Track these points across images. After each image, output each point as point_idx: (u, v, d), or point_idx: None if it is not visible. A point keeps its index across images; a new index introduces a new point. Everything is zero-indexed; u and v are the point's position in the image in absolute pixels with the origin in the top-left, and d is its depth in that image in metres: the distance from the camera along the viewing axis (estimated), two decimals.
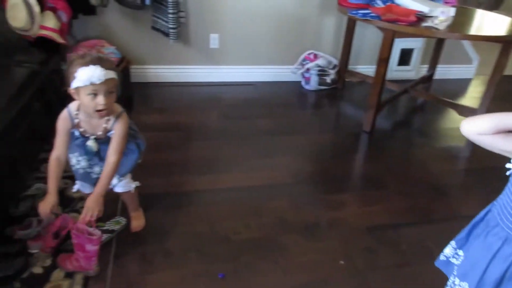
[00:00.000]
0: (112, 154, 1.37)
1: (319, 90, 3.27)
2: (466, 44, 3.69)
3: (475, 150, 2.59)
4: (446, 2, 2.84)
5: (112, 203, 1.81)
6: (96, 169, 1.50)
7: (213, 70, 3.18)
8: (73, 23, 2.61)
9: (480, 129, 0.82)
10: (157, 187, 1.96)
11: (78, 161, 1.47)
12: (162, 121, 2.59)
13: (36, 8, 2.02)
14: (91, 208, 1.33)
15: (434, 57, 3.37)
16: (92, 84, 1.19)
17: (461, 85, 3.72)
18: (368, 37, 3.36)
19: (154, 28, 2.83)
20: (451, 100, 3.13)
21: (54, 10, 2.21)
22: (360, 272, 1.57)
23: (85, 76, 1.17)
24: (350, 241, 1.73)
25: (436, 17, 2.33)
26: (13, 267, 1.37)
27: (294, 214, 1.87)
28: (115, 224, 1.65)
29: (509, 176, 0.84)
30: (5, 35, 2.05)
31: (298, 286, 1.50)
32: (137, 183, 1.65)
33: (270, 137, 2.50)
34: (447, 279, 1.56)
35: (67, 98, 1.95)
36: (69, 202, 1.79)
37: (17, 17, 2.02)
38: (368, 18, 2.37)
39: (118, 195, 1.66)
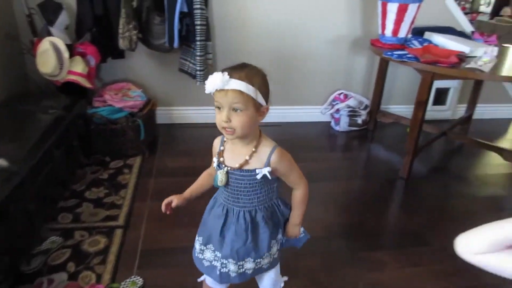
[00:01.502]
0: (295, 186, 1.15)
1: (350, 131, 3.12)
2: (507, 83, 3.48)
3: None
4: (487, 41, 2.70)
5: (128, 259, 1.69)
6: (217, 254, 1.17)
7: None
8: (101, 66, 2.62)
9: (475, 247, 0.54)
10: (180, 239, 1.83)
11: (201, 250, 1.23)
12: (188, 165, 2.50)
13: (66, 54, 2.03)
14: (290, 236, 1.21)
15: (473, 97, 3.17)
16: (215, 93, 0.98)
17: (502, 126, 3.49)
18: (400, 77, 3.23)
19: (181, 70, 2.81)
20: (493, 144, 2.91)
21: (83, 55, 2.21)
22: None
23: (208, 84, 0.97)
24: None
25: (479, 57, 2.18)
26: None
27: (328, 274, 1.69)
28: (132, 285, 1.52)
29: None
30: (34, 80, 2.05)
31: None
32: (285, 279, 1.38)
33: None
34: None
35: (91, 145, 1.88)
36: (84, 259, 1.68)
37: (47, 63, 2.03)
38: (405, 60, 2.24)
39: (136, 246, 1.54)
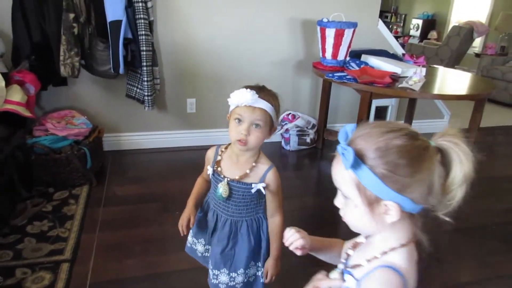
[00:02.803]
0: (274, 213, 1.17)
1: (299, 150, 3.23)
2: (437, 100, 3.80)
3: (463, 208, 2.54)
4: (416, 62, 2.94)
5: None
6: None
7: (191, 135, 3.10)
8: (41, 94, 2.51)
9: None
10: (131, 270, 1.77)
11: (194, 243, 1.33)
12: (137, 192, 2.44)
13: (1, 83, 1.93)
14: (271, 272, 1.17)
15: (409, 113, 3.43)
16: (239, 107, 1.07)
17: None
18: (343, 96, 3.41)
19: (129, 96, 2.77)
20: None
21: (21, 83, 2.12)
22: None
23: (235, 98, 1.06)
24: None
25: (409, 77, 2.38)
26: None
27: None
28: None
29: None
30: None
31: None
32: None
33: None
34: None
35: (32, 176, 1.79)
36: None
37: None
38: (345, 81, 2.39)
39: None
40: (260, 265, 1.24)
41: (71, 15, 2.30)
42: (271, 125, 1.11)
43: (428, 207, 0.68)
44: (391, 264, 0.69)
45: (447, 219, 0.68)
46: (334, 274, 0.79)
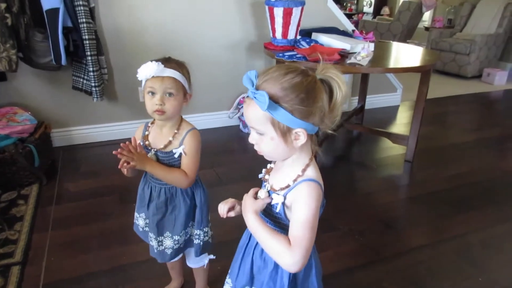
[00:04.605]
0: (185, 172, 1.18)
1: None
2: (389, 74, 3.91)
3: (414, 177, 2.66)
4: (365, 38, 3.00)
5: None
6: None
7: None
8: None
9: None
10: (88, 265, 1.72)
11: (136, 217, 1.36)
12: (92, 186, 2.36)
13: None
14: (133, 156, 1.12)
15: (362, 89, 3.50)
16: (149, 80, 1.11)
17: (390, 113, 3.91)
18: None
19: (75, 88, 2.65)
20: (383, 130, 3.25)
21: None
22: None
23: (142, 72, 1.09)
24: None
25: (358, 53, 2.42)
26: None
27: None
28: None
29: None
30: None
31: None
32: (211, 257, 1.45)
33: (213, 188, 2.37)
34: None
35: None
36: None
37: None
38: (295, 60, 2.40)
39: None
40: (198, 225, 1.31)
41: (2, 5, 2.16)
42: (184, 92, 1.16)
43: (321, 127, 0.84)
44: (310, 177, 0.86)
45: (332, 132, 0.85)
46: (262, 193, 0.92)
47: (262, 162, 0.99)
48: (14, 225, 1.97)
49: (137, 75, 1.11)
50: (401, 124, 3.65)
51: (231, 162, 2.74)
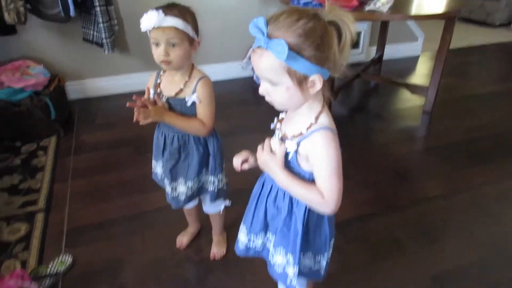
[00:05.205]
0: (201, 121, 1.19)
1: None
2: (410, 22, 3.72)
3: (431, 128, 2.60)
4: None
5: (54, 241, 1.63)
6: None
7: None
8: None
9: None
10: (109, 213, 1.79)
11: (154, 166, 1.39)
12: (108, 138, 2.40)
13: None
14: (150, 112, 1.13)
15: (381, 38, 3.36)
16: (152, 31, 1.08)
17: (410, 63, 3.76)
18: None
19: (86, 40, 2.62)
20: (402, 81, 3.14)
21: None
22: (330, 277, 1.48)
23: (143, 23, 1.06)
24: None
25: None
26: None
27: None
28: (60, 265, 1.48)
29: None
30: None
31: None
32: (227, 203, 1.48)
33: (227, 139, 2.38)
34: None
35: None
36: (4, 248, 1.58)
37: None
38: (311, 7, 2.28)
39: None
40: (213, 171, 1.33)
41: None
42: (190, 40, 1.12)
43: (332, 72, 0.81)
44: (324, 125, 0.84)
45: (339, 75, 0.82)
46: (274, 142, 0.92)
47: (275, 114, 0.97)
48: (35, 175, 2.03)
49: (140, 26, 1.07)
50: (421, 75, 3.52)
51: (244, 113, 2.72)
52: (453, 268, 1.52)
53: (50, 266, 1.47)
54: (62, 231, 1.69)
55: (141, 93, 1.18)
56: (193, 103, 1.18)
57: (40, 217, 1.75)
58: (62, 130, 2.37)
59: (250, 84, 3.19)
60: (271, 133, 0.97)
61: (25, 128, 2.26)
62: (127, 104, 1.13)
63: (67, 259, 1.51)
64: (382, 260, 1.55)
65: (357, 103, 3.06)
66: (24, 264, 1.51)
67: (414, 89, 2.87)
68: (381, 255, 1.58)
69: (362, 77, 3.16)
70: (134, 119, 1.13)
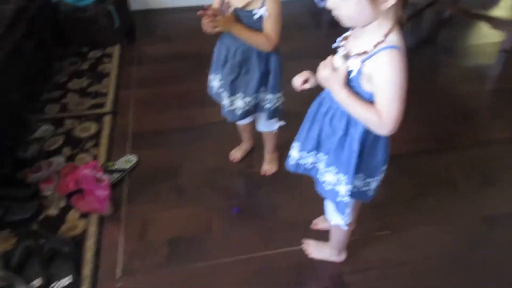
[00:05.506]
0: (266, 33, 1.19)
1: None
2: None
3: (506, 69, 2.38)
4: None
5: (121, 141, 1.77)
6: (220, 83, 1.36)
7: None
8: None
9: None
10: (169, 121, 1.90)
11: (210, 80, 1.42)
12: (169, 51, 2.44)
13: None
14: (219, 22, 1.15)
15: None
16: None
17: None
18: None
19: None
20: (483, 13, 2.82)
21: None
22: (378, 205, 1.51)
23: None
24: None
25: None
26: (28, 210, 1.37)
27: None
28: (126, 163, 1.62)
29: None
30: None
31: (315, 218, 1.47)
32: (281, 123, 1.51)
33: (286, 62, 2.34)
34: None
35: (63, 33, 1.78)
36: (77, 143, 1.75)
37: None
38: None
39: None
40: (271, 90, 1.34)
41: None
42: None
43: None
44: (393, 44, 0.80)
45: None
46: (337, 60, 0.90)
47: (336, 38, 0.93)
48: (102, 80, 2.16)
49: None
50: (507, 7, 3.13)
51: (304, 36, 2.62)
52: (507, 213, 1.49)
53: (117, 163, 1.62)
54: (127, 134, 1.82)
55: (201, 8, 1.17)
56: (260, 18, 1.16)
57: (108, 119, 1.89)
58: (125, 40, 2.44)
59: (312, 7, 3.02)
60: (324, 58, 0.94)
61: (91, 34, 2.34)
62: (198, 13, 1.12)
63: (132, 158, 1.65)
64: (430, 196, 1.56)
65: (427, 33, 2.83)
66: (94, 158, 1.68)
67: (496, 23, 2.58)
68: (430, 192, 1.57)
69: (435, 6, 2.87)
70: (203, 28, 1.14)
